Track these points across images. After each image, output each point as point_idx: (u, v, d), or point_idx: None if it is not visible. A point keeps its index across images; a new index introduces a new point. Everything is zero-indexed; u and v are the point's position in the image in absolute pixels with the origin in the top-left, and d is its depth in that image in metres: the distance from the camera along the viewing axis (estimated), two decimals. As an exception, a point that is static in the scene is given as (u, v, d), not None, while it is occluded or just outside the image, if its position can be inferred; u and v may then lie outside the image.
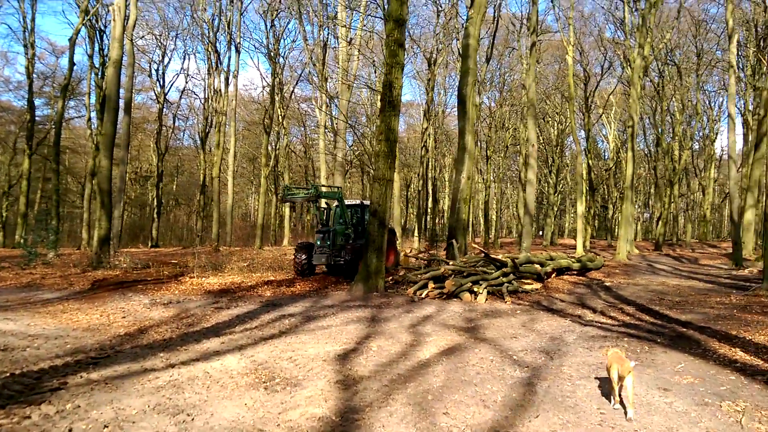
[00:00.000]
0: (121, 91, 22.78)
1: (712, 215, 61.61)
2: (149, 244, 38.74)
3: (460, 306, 12.29)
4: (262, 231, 38.21)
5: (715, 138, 55.75)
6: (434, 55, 35.98)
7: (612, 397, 5.56)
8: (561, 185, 58.14)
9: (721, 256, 32.10)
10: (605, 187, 61.14)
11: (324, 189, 16.94)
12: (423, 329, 9.58)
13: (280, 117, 41.38)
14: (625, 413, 5.24)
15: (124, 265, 18.24)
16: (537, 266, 15.99)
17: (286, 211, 43.55)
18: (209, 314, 10.96)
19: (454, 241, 17.18)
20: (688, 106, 48.60)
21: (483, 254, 15.37)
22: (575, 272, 19.46)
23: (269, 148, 40.39)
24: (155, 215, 41.06)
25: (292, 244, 40.78)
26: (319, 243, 16.52)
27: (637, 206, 65.58)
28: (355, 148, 48.54)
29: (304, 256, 16.55)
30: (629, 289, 16.28)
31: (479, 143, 44.96)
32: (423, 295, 13.17)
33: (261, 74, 52.43)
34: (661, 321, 10.44)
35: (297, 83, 41.94)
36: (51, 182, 30.14)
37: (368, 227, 13.77)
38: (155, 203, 41.56)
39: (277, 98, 39.15)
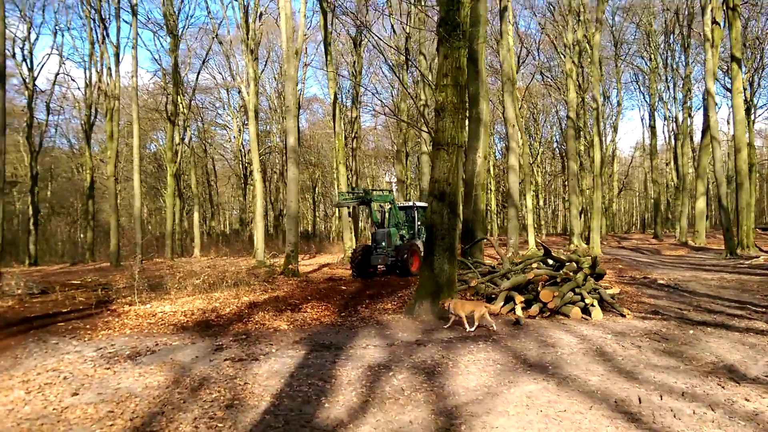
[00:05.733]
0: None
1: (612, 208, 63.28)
2: (27, 263, 30.70)
3: (587, 327, 8.50)
4: (172, 240, 32.04)
5: (616, 132, 57.43)
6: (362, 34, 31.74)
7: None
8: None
9: (677, 245, 31.32)
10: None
11: (375, 192, 18.24)
12: (659, 379, 5.63)
13: (183, 105, 35.14)
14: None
15: (18, 291, 12.41)
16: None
17: (195, 217, 37.17)
18: (235, 375, 6.16)
19: (490, 237, 13.34)
20: (606, 97, 48.89)
21: (544, 250, 11.67)
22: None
23: (173, 141, 34.10)
24: (32, 227, 32.76)
25: (204, 255, 34.72)
26: (374, 244, 17.15)
27: (541, 203, 66.28)
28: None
29: (360, 257, 16.84)
30: (691, 285, 13.61)
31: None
32: (516, 314, 9.14)
33: (153, 55, 45.59)
34: None
35: (204, 62, 35.85)
36: None
37: (432, 217, 9.24)
38: (30, 213, 33.22)
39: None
